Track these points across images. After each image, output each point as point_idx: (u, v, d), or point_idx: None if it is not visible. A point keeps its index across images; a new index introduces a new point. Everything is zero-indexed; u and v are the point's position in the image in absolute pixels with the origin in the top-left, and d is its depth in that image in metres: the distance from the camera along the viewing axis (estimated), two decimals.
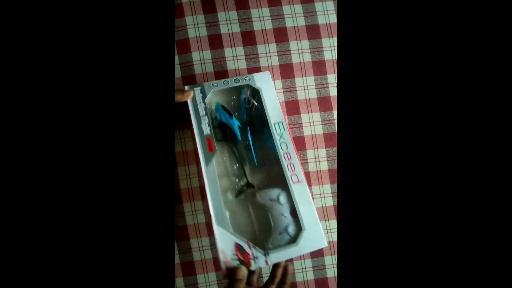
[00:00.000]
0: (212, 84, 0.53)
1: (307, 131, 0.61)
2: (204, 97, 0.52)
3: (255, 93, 0.54)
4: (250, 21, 0.60)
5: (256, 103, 0.54)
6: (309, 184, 0.61)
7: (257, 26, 0.61)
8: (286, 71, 0.60)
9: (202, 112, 0.51)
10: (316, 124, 0.61)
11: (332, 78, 0.61)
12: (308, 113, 0.61)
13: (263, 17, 0.60)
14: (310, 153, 0.61)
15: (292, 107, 0.61)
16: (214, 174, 0.47)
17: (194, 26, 0.61)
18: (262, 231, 0.49)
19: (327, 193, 0.61)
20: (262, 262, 0.43)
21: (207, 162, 0.48)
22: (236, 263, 0.43)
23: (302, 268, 0.61)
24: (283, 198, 0.47)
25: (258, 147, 0.53)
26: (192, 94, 0.52)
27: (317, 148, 0.61)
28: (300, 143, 0.61)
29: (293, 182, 0.47)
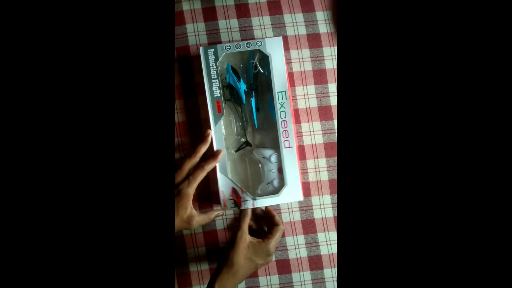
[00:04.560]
0: (225, 47, 0.55)
1: (307, 141, 0.60)
2: (216, 59, 0.55)
3: (265, 59, 0.56)
4: (251, 29, 0.60)
5: (262, 70, 0.57)
6: (309, 195, 0.60)
7: (257, 34, 0.60)
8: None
9: (214, 75, 0.55)
10: (317, 133, 0.60)
11: (333, 87, 0.60)
12: (309, 122, 0.60)
13: (264, 25, 0.60)
14: (310, 163, 0.60)
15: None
16: (221, 132, 0.56)
17: (195, 34, 0.60)
18: (254, 181, 0.59)
19: (327, 204, 0.60)
20: (250, 204, 0.55)
21: (216, 122, 0.56)
22: (231, 202, 0.55)
23: (301, 281, 0.59)
24: (274, 158, 0.57)
25: (260, 111, 0.59)
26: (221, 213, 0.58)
27: (317, 158, 0.60)
28: (300, 152, 0.60)
29: (285, 147, 0.55)
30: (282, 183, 0.56)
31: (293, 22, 0.60)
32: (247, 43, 0.55)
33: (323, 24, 0.60)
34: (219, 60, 0.55)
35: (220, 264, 0.52)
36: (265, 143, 0.59)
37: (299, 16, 0.60)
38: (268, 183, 0.57)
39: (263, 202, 0.55)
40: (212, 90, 0.55)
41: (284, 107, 0.55)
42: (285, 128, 0.55)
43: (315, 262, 0.60)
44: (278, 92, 0.55)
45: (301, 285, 0.59)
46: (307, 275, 0.60)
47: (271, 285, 0.59)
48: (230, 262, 0.51)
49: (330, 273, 0.59)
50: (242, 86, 0.56)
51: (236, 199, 0.55)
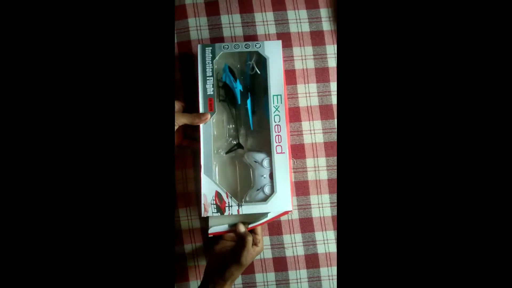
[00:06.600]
0: (223, 47, 0.54)
1: (307, 139, 0.60)
2: (213, 57, 0.54)
3: (262, 61, 0.55)
4: (253, 25, 0.59)
5: (259, 72, 0.56)
6: (307, 194, 0.60)
7: (260, 30, 0.59)
8: (288, 77, 0.59)
9: (209, 72, 0.54)
10: (317, 132, 0.60)
11: (335, 86, 0.60)
12: (309, 120, 0.60)
13: (266, 21, 0.59)
14: (309, 162, 0.60)
15: (293, 114, 0.60)
16: (210, 131, 0.53)
17: (197, 28, 0.60)
18: (243, 185, 0.57)
19: (326, 203, 0.60)
20: (235, 211, 0.51)
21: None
22: (213, 207, 0.51)
23: (297, 279, 0.60)
24: (266, 163, 0.54)
25: (255, 113, 0.57)
26: (208, 117, 0.53)
27: (317, 157, 0.60)
28: (299, 151, 0.60)
29: (276, 152, 0.53)
30: (273, 190, 0.53)
31: (296, 19, 0.59)
32: (245, 44, 0.54)
33: (327, 21, 0.59)
34: (216, 59, 0.54)
35: (220, 278, 0.50)
36: (258, 147, 0.56)
37: (303, 13, 0.59)
38: (258, 189, 0.54)
39: (249, 209, 0.52)
40: (206, 87, 0.54)
41: (279, 111, 0.53)
42: (279, 132, 0.53)
43: (312, 261, 0.60)
44: (273, 95, 0.53)
45: (297, 282, 0.60)
46: (304, 273, 0.60)
47: (267, 282, 0.60)
48: (232, 279, 0.51)
49: (327, 272, 0.60)
50: (238, 87, 0.55)
51: (220, 204, 0.52)
